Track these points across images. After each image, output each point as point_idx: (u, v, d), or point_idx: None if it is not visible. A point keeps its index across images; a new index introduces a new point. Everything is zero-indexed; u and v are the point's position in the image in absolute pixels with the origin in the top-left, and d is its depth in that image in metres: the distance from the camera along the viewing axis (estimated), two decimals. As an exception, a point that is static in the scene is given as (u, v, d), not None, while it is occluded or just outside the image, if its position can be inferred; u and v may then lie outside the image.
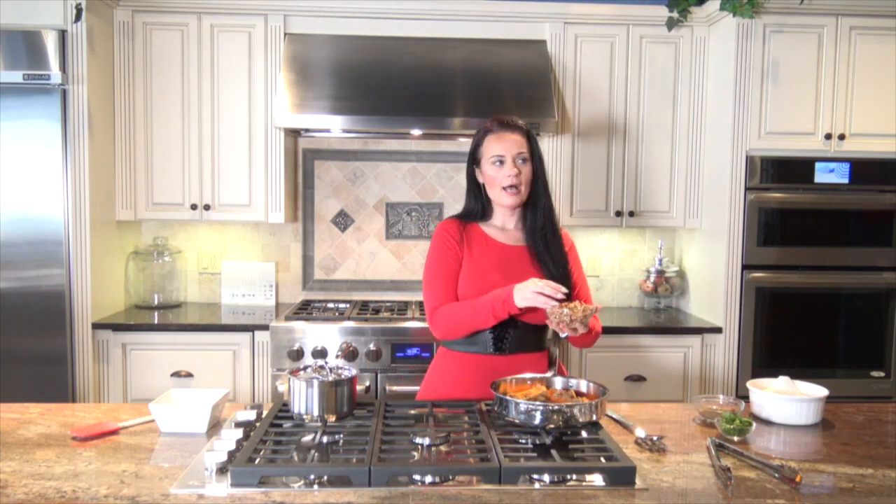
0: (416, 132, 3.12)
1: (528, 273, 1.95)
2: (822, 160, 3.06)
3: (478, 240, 2.01)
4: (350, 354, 2.89)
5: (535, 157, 1.98)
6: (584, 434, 1.58)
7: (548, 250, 1.97)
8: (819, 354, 3.12)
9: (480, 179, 2.02)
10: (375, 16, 3.19)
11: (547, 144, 3.22)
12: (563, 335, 1.82)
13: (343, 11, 3.18)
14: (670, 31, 3.24)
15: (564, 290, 1.77)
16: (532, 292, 1.77)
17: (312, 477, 1.37)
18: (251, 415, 1.71)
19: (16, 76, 2.80)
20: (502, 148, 1.95)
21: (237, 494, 1.32)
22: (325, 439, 1.53)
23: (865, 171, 3.07)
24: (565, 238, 2.05)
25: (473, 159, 2.03)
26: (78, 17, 2.84)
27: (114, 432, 1.66)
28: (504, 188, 1.95)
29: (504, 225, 2.05)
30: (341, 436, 1.55)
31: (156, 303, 3.37)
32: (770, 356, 3.09)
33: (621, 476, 1.38)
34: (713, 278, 3.22)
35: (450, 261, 1.97)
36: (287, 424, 1.64)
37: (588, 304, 1.78)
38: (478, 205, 2.05)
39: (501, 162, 1.95)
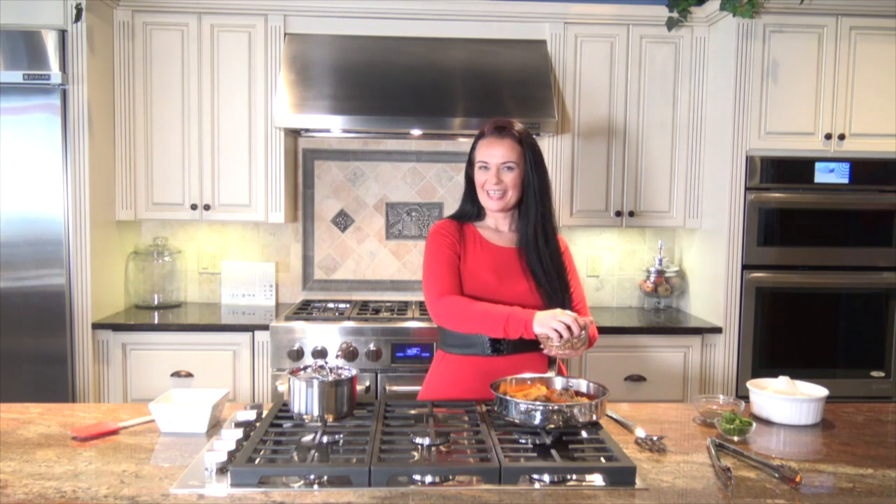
0: (416, 132, 3.12)
1: (519, 275, 1.96)
2: (822, 160, 3.06)
3: (472, 240, 2.01)
4: (350, 354, 2.89)
5: (527, 164, 1.97)
6: (584, 434, 1.58)
7: (539, 259, 1.96)
8: (819, 354, 3.12)
9: (474, 178, 2.04)
10: (375, 16, 3.19)
11: (547, 144, 3.23)
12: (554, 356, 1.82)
13: (343, 11, 3.18)
14: (670, 31, 3.24)
15: (583, 323, 1.76)
16: (551, 328, 1.74)
17: (312, 477, 1.37)
18: (251, 415, 1.71)
19: (16, 76, 2.80)
20: (489, 154, 1.96)
21: (237, 494, 1.32)
22: (325, 439, 1.53)
23: (865, 171, 3.07)
24: (559, 242, 2.05)
25: (469, 160, 2.04)
26: (78, 17, 2.84)
27: (114, 432, 1.66)
28: (487, 192, 1.97)
29: (497, 226, 2.05)
30: (341, 436, 1.55)
31: (156, 303, 3.37)
32: (770, 356, 3.09)
33: (621, 476, 1.38)
34: (713, 278, 3.22)
35: (450, 253, 1.97)
36: (287, 424, 1.63)
37: (579, 325, 1.75)
38: (473, 207, 2.06)
39: (486, 168, 1.97)
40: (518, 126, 2.00)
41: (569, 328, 1.73)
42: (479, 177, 1.99)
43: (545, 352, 1.81)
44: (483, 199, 2.00)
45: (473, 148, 2.02)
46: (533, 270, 1.96)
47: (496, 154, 1.95)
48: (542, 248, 1.97)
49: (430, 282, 1.95)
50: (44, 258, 2.89)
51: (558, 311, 1.79)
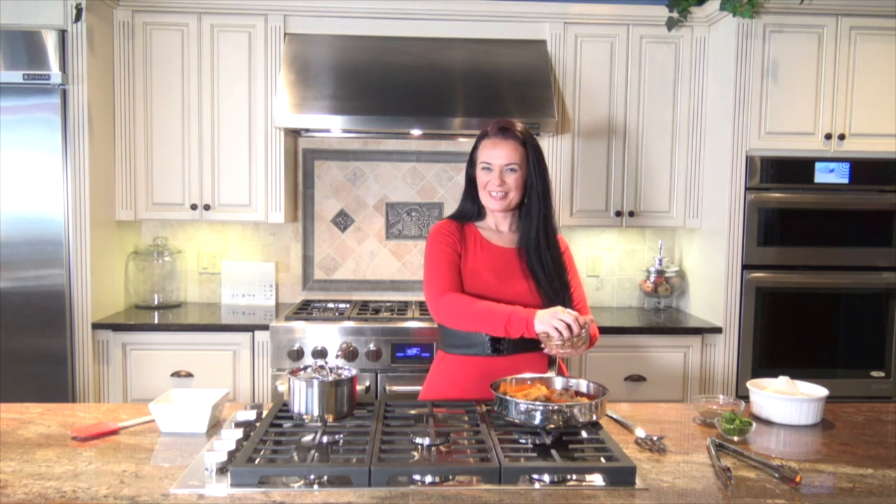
0: (416, 132, 3.12)
1: (519, 276, 1.96)
2: (822, 160, 3.06)
3: (472, 241, 2.01)
4: (350, 354, 2.89)
5: (530, 166, 1.97)
6: (584, 434, 1.58)
7: (539, 259, 1.96)
8: (819, 354, 3.12)
9: (476, 178, 2.03)
10: (375, 16, 3.19)
11: (547, 144, 3.22)
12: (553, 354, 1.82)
13: (343, 11, 3.18)
14: (670, 31, 3.24)
15: (583, 322, 1.76)
16: (552, 326, 1.74)
17: (312, 477, 1.37)
18: (251, 415, 1.71)
19: (16, 76, 2.80)
20: (492, 156, 1.96)
21: (237, 494, 1.32)
22: (325, 439, 1.53)
23: (865, 171, 3.07)
24: (559, 242, 2.05)
25: (471, 160, 2.04)
26: (78, 17, 2.84)
27: (114, 432, 1.66)
28: (489, 193, 1.97)
29: (498, 227, 2.05)
30: (341, 436, 1.55)
31: (156, 303, 3.37)
32: (770, 356, 3.09)
33: (621, 476, 1.38)
34: (713, 278, 3.22)
35: (451, 252, 1.97)
36: (287, 424, 1.63)
37: (580, 324, 1.75)
38: (474, 206, 2.06)
39: (489, 169, 1.96)
40: (521, 127, 2.00)
41: (569, 327, 1.73)
42: (482, 177, 1.98)
43: (546, 351, 1.81)
44: (485, 199, 2.00)
45: (475, 148, 2.02)
46: (534, 271, 1.96)
47: (500, 155, 1.95)
48: (544, 249, 1.97)
49: (431, 280, 1.95)
50: (44, 258, 2.89)
51: (559, 308, 1.79)
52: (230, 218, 3.25)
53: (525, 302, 1.90)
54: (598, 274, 3.64)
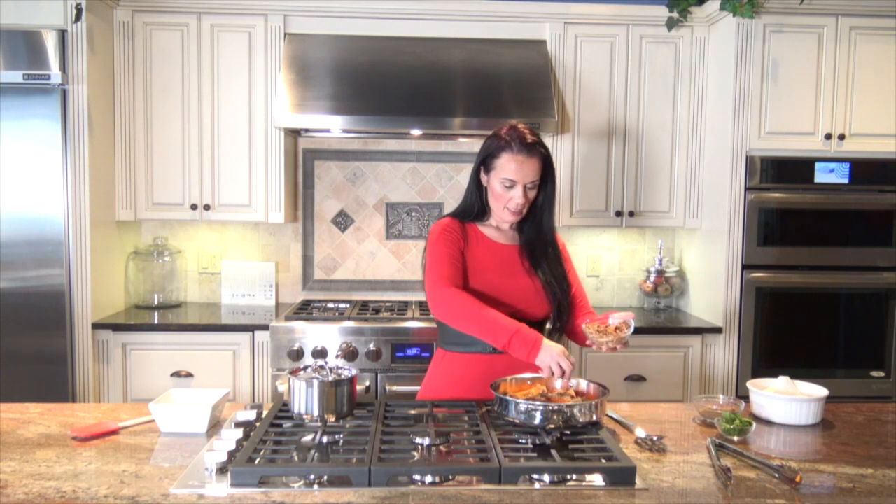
0: (416, 132, 3.11)
1: (522, 273, 1.96)
2: (822, 160, 3.06)
3: (475, 239, 2.00)
4: (350, 354, 2.89)
5: (546, 180, 1.97)
6: (584, 434, 1.58)
7: (544, 256, 1.98)
8: (819, 354, 3.12)
9: (485, 183, 2.00)
10: (375, 16, 3.19)
11: (547, 144, 3.21)
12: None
13: (343, 11, 3.18)
14: (670, 31, 3.24)
15: (625, 318, 1.82)
16: (548, 365, 1.74)
17: (312, 477, 1.37)
18: (251, 415, 1.71)
19: (16, 76, 2.80)
20: (517, 175, 1.91)
21: (237, 494, 1.32)
22: (325, 439, 1.53)
23: (865, 171, 3.07)
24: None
25: (483, 163, 1.99)
26: (78, 17, 2.84)
27: (114, 432, 1.66)
28: (509, 209, 1.95)
29: (500, 225, 2.04)
30: (341, 436, 1.55)
31: (156, 303, 3.37)
32: (770, 356, 3.09)
33: (621, 476, 1.38)
34: (713, 278, 3.22)
35: (454, 249, 1.95)
36: (287, 424, 1.64)
37: (624, 325, 1.80)
38: (477, 204, 2.03)
39: (513, 186, 1.93)
40: (538, 136, 1.96)
41: (599, 328, 1.80)
42: (502, 192, 1.94)
43: (595, 348, 1.83)
44: (501, 212, 1.97)
45: (494, 156, 1.94)
46: (539, 269, 1.96)
47: (526, 174, 1.91)
48: (547, 245, 1.99)
49: (433, 273, 1.91)
50: (44, 258, 2.89)
51: (562, 350, 1.77)
52: (230, 218, 3.25)
53: (529, 298, 1.92)
54: (598, 274, 3.64)
